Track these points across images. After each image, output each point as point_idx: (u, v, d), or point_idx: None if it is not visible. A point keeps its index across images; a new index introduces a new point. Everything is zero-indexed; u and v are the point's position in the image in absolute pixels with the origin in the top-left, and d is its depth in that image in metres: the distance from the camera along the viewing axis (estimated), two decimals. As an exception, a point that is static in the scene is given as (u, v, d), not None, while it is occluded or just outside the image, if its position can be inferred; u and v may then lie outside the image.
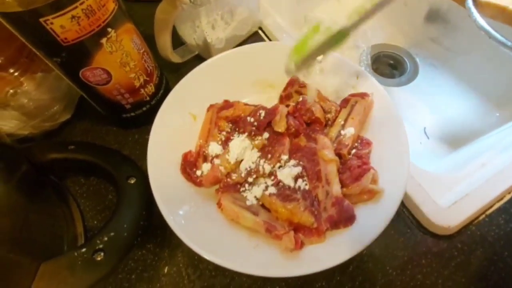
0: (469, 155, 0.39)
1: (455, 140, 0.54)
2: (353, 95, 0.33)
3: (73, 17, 0.23)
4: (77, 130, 0.39)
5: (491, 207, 0.31)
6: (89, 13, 0.23)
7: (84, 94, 0.31)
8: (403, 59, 0.66)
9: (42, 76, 0.33)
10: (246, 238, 0.28)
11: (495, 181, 0.32)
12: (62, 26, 0.23)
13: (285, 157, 0.31)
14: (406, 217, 0.31)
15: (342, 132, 0.32)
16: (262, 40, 0.45)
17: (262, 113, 0.33)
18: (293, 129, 0.32)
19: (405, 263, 0.29)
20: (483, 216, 0.31)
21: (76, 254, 0.25)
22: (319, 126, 0.33)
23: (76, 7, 0.22)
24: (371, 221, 0.27)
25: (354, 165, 0.29)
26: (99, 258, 0.25)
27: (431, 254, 0.29)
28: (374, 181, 0.29)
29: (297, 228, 0.27)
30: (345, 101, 0.33)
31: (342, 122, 0.32)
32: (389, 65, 0.68)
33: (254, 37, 0.45)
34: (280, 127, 0.32)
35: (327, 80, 0.36)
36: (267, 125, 0.33)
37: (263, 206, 0.29)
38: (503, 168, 0.33)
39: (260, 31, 0.46)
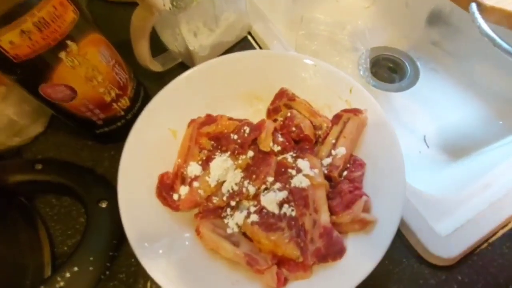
0: (471, 173, 0.37)
1: (456, 149, 0.51)
2: (345, 110, 0.30)
3: (23, 31, 0.20)
4: (50, 144, 0.36)
5: (494, 234, 0.29)
6: (41, 26, 0.20)
7: (50, 109, 0.29)
8: (404, 63, 0.64)
9: (7, 89, 0.30)
10: (225, 272, 0.25)
11: (499, 206, 0.29)
12: (11, 42, 0.20)
13: (270, 178, 0.29)
14: (401, 245, 0.29)
15: (333, 152, 0.29)
16: (251, 46, 0.42)
17: (247, 129, 0.30)
18: (280, 147, 0.30)
19: (400, 297, 0.27)
20: (486, 244, 0.28)
21: (33, 294, 0.22)
22: (309, 144, 0.31)
23: (26, 20, 0.20)
24: (363, 254, 0.24)
25: (345, 190, 0.27)
26: (60, 297, 0.23)
27: (429, 287, 0.27)
28: (366, 208, 0.26)
29: (281, 261, 0.25)
30: (337, 117, 0.31)
31: (333, 141, 0.30)
32: (389, 69, 0.65)
33: (242, 42, 0.42)
34: (266, 146, 0.29)
35: (318, 92, 0.33)
36: (252, 142, 0.30)
37: (245, 234, 0.27)
38: (508, 190, 0.30)
39: (249, 36, 0.43)
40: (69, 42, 0.23)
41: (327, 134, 0.31)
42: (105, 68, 0.27)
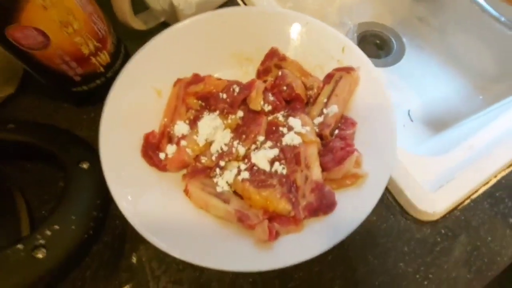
0: (456, 137, 0.38)
1: (439, 122, 0.53)
2: (337, 69, 0.30)
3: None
4: (22, 107, 0.33)
5: (476, 191, 0.30)
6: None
7: (20, 62, 0.26)
8: (390, 39, 0.64)
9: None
10: (216, 229, 0.25)
11: (482, 165, 0.30)
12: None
13: (261, 138, 0.28)
14: (389, 202, 0.29)
15: (325, 111, 0.29)
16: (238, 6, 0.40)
17: (237, 88, 0.29)
18: (271, 107, 0.29)
19: (387, 251, 0.27)
20: (468, 200, 0.30)
21: (9, 251, 0.21)
22: (300, 104, 0.30)
23: None
24: (353, 208, 0.25)
25: (337, 147, 0.27)
26: (40, 255, 0.21)
27: (414, 241, 0.28)
28: (357, 164, 0.26)
29: (272, 217, 0.25)
30: (329, 77, 0.30)
31: (325, 100, 0.29)
32: (375, 45, 0.65)
33: (230, 3, 0.40)
34: (256, 104, 0.28)
35: (310, 52, 0.32)
36: (241, 102, 0.29)
37: (235, 193, 0.26)
38: (490, 151, 0.31)
39: (237, -3, 0.41)
40: (38, -24, 0.20)
41: (318, 94, 0.30)
42: (82, 15, 0.24)
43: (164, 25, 0.37)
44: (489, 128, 0.34)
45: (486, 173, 0.30)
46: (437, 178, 0.30)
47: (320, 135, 0.28)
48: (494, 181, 0.30)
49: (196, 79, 0.31)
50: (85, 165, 0.27)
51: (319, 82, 0.31)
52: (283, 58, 0.32)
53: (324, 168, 0.26)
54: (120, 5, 0.31)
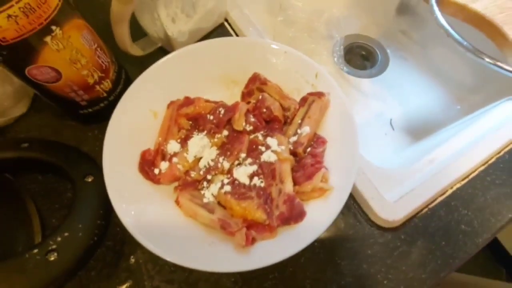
0: (421, 151, 0.41)
1: (418, 131, 0.56)
2: (310, 94, 0.34)
3: (9, 16, 0.21)
4: (33, 125, 0.37)
5: (434, 201, 0.34)
6: (28, 11, 0.22)
7: (35, 91, 0.30)
8: (375, 51, 0.67)
9: (-11, 70, 0.31)
10: (202, 236, 0.29)
11: (439, 177, 0.34)
12: (-2, 25, 0.21)
13: (243, 155, 0.32)
14: (356, 211, 0.33)
15: (299, 131, 0.33)
16: (227, 32, 0.45)
17: (222, 111, 0.33)
18: (252, 127, 0.33)
19: (353, 254, 0.31)
20: (426, 209, 0.33)
21: (27, 255, 0.25)
22: (278, 124, 0.34)
23: (12, 5, 0.21)
24: (320, 216, 0.28)
25: (308, 164, 0.31)
26: (52, 258, 0.25)
27: (377, 245, 0.32)
28: (325, 179, 0.30)
29: (250, 224, 0.29)
30: (303, 100, 0.34)
31: (299, 121, 0.33)
32: (361, 56, 0.69)
33: (220, 29, 0.45)
34: (239, 125, 0.33)
35: (288, 76, 0.36)
36: (226, 122, 0.33)
37: (219, 203, 0.30)
38: (448, 164, 0.35)
39: (226, 23, 0.45)
40: (53, 27, 0.24)
41: (294, 115, 0.34)
42: (88, 52, 0.29)
43: (161, 49, 0.42)
44: (449, 143, 0.38)
45: (443, 185, 0.34)
46: (399, 189, 0.34)
47: (294, 153, 0.32)
48: (450, 191, 0.34)
49: (187, 101, 0.35)
50: (90, 179, 0.31)
51: (295, 104, 0.35)
52: (264, 82, 0.36)
53: (295, 182, 0.30)
54: (121, 37, 0.35)
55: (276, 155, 0.31)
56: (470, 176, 0.35)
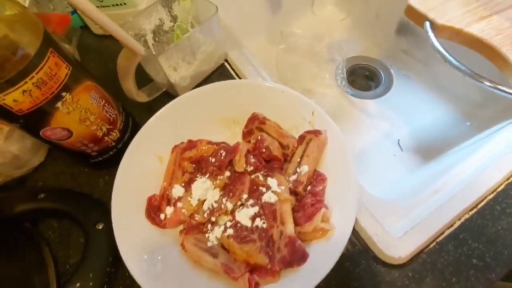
0: (425, 180, 0.41)
1: (428, 151, 0.55)
2: (308, 132, 0.35)
3: (24, 91, 0.24)
4: (50, 173, 0.40)
5: (441, 234, 0.33)
6: (40, 85, 0.25)
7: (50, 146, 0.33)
8: (378, 71, 0.68)
9: (10, 129, 0.34)
10: (208, 281, 0.29)
11: (446, 208, 0.33)
12: (15, 100, 0.24)
13: (245, 195, 0.33)
14: (361, 248, 0.33)
15: (298, 169, 0.33)
16: (228, 72, 0.47)
17: (223, 153, 0.35)
18: (252, 167, 0.34)
19: (360, 294, 0.31)
20: (434, 243, 0.33)
21: (42, 308, 0.26)
22: (278, 163, 0.35)
23: (26, 82, 0.24)
24: (323, 257, 0.29)
25: (308, 204, 0.31)
26: (66, 310, 0.27)
27: (384, 284, 0.31)
28: (326, 218, 0.30)
29: (253, 268, 0.29)
30: (301, 138, 0.35)
31: (298, 160, 0.34)
32: (365, 77, 0.69)
33: (220, 69, 0.47)
34: (240, 167, 0.34)
35: (286, 115, 0.37)
36: (228, 164, 0.35)
37: (223, 246, 0.31)
38: (454, 194, 0.34)
39: (226, 63, 0.47)
40: (64, 94, 0.27)
41: (294, 153, 0.35)
42: (96, 109, 0.31)
43: (167, 93, 0.44)
44: (455, 171, 0.37)
45: (450, 216, 0.33)
46: (404, 222, 0.33)
47: (294, 192, 0.33)
48: (458, 223, 0.33)
49: (190, 145, 0.36)
50: (100, 226, 0.33)
51: (294, 142, 0.36)
52: (263, 121, 0.37)
53: (297, 223, 0.30)
54: (127, 88, 0.38)
55: (276, 195, 0.31)
56: (479, 206, 0.34)
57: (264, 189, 0.32)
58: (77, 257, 0.34)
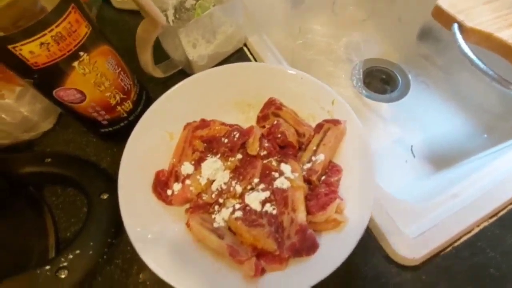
0: (443, 183, 0.39)
1: (441, 160, 0.54)
2: (327, 121, 0.33)
3: (42, 43, 0.23)
4: (59, 140, 0.39)
5: (458, 239, 0.32)
6: (59, 39, 0.24)
7: (60, 109, 0.32)
8: (395, 75, 0.66)
9: (22, 89, 0.33)
10: (210, 262, 0.28)
11: (465, 213, 0.32)
12: (31, 52, 0.23)
13: (256, 180, 0.32)
14: (372, 245, 0.32)
15: (313, 158, 0.32)
16: (246, 56, 0.45)
17: (237, 134, 0.34)
18: (266, 152, 0.33)
19: (367, 293, 0.29)
20: (450, 248, 0.31)
21: (38, 271, 0.25)
22: (292, 150, 0.34)
23: (45, 34, 0.23)
24: (334, 250, 0.27)
25: (322, 193, 0.30)
26: (62, 276, 0.26)
27: (394, 285, 0.30)
28: (340, 210, 0.29)
29: (260, 254, 0.28)
30: (319, 127, 0.34)
31: (314, 148, 0.33)
32: (381, 80, 0.68)
33: (239, 53, 0.46)
34: (253, 150, 0.32)
35: (304, 102, 0.36)
36: (240, 146, 0.33)
37: (230, 229, 0.30)
38: (474, 200, 0.33)
39: (244, 48, 0.46)
40: (81, 53, 0.26)
41: (309, 141, 0.34)
42: (112, 75, 0.30)
43: (182, 71, 0.43)
44: (475, 176, 0.35)
45: (468, 222, 0.31)
46: (419, 224, 0.32)
47: (308, 180, 0.31)
48: (476, 230, 0.32)
49: (203, 124, 0.35)
50: (105, 196, 0.32)
51: (310, 130, 0.34)
52: (280, 107, 0.36)
53: (309, 212, 0.29)
54: (144, 60, 0.37)
55: (289, 182, 0.30)
56: (499, 214, 0.33)
57: (276, 175, 0.31)
58: (78, 226, 0.34)
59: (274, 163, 0.32)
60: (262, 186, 0.31)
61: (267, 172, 0.32)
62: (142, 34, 0.34)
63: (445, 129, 0.58)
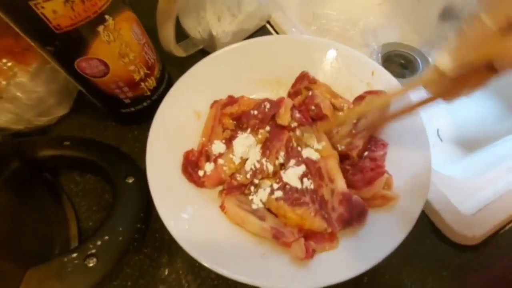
0: (491, 159, 0.36)
1: (470, 143, 0.51)
2: (368, 92, 0.31)
3: (66, 1, 0.21)
4: (75, 125, 0.37)
5: (519, 215, 0.29)
6: (84, -3, 0.21)
7: (80, 87, 0.29)
8: (415, 59, 0.64)
9: (37, 67, 0.31)
10: (252, 245, 0.26)
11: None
12: (55, 11, 0.21)
13: (282, 153, 0.29)
14: (426, 225, 0.29)
15: (354, 131, 0.29)
16: (269, 33, 0.43)
17: (267, 105, 0.31)
18: (297, 124, 0.30)
19: (425, 276, 0.27)
20: (511, 225, 0.28)
21: (66, 259, 0.23)
22: (328, 124, 0.31)
23: (70, -11, 0.20)
24: (388, 230, 0.24)
25: (367, 168, 0.27)
26: (91, 264, 0.23)
27: (453, 266, 0.27)
28: (388, 186, 0.26)
29: (307, 235, 0.25)
30: (360, 98, 0.31)
31: (354, 121, 0.30)
32: (400, 65, 0.65)
33: (261, 31, 0.43)
34: (284, 120, 0.30)
35: (339, 75, 0.34)
36: (271, 118, 0.31)
37: (269, 210, 0.27)
38: (531, 173, 0.30)
39: (268, 25, 0.44)
40: (107, 17, 0.24)
41: (349, 115, 0.31)
42: (136, 46, 0.28)
43: (202, 52, 0.41)
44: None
45: (528, 197, 0.29)
46: (475, 200, 0.29)
47: (347, 155, 0.29)
48: (538, 206, 0.29)
49: (231, 100, 0.33)
50: (130, 180, 0.29)
51: (349, 103, 0.32)
52: (313, 81, 0.33)
53: (353, 187, 0.26)
54: (166, 35, 0.34)
55: (318, 152, 0.27)
56: (561, 188, 0.30)
57: (300, 148, 0.28)
58: (100, 215, 0.31)
59: (298, 132, 0.30)
60: (293, 161, 0.28)
61: (291, 144, 0.29)
62: (164, 6, 0.32)
63: (471, 111, 0.55)
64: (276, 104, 0.31)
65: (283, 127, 0.30)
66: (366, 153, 0.29)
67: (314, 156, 0.28)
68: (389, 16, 0.71)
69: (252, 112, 0.31)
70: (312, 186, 0.27)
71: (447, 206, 0.28)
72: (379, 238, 0.24)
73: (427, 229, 0.29)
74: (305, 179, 0.27)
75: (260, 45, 0.35)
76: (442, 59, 0.20)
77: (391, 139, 0.29)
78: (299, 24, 0.42)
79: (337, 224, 0.24)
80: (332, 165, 0.27)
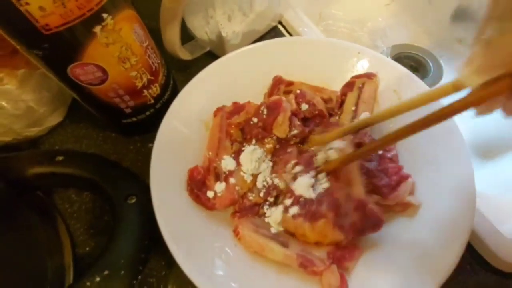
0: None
1: (485, 150, 0.49)
2: (357, 76, 0.29)
3: (56, -4, 0.17)
4: (70, 136, 0.33)
5: None
6: (78, -8, 0.18)
7: (74, 95, 0.26)
8: (426, 61, 0.61)
9: (25, 72, 0.27)
10: (274, 278, 0.22)
11: None
12: (42, 8, 0.17)
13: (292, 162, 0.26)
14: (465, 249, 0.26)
15: (356, 119, 0.27)
16: (281, 34, 0.40)
17: (264, 110, 0.27)
18: (297, 131, 0.27)
19: (465, 307, 0.24)
20: (557, 249, 0.25)
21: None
22: (320, 119, 0.28)
23: (61, -17, 0.17)
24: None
25: (391, 171, 0.24)
26: (89, 304, 0.20)
27: (497, 297, 0.24)
28: (411, 191, 0.24)
29: (334, 256, 0.22)
30: (349, 85, 0.29)
31: (353, 108, 0.28)
32: (410, 67, 0.63)
33: (272, 32, 0.40)
34: (281, 131, 0.26)
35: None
36: (273, 122, 0.27)
37: (286, 231, 0.24)
38: None
39: (279, 26, 0.40)
40: (104, 15, 0.20)
41: (340, 103, 0.29)
42: (139, 49, 0.24)
43: (208, 54, 0.38)
44: None
45: None
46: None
47: (359, 144, 0.26)
48: None
49: (237, 107, 0.29)
50: (132, 200, 0.26)
51: (335, 92, 0.29)
52: (290, 83, 0.31)
53: (379, 193, 0.24)
54: (170, 37, 0.31)
55: (337, 153, 0.24)
56: None
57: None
58: (98, 239, 0.28)
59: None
60: (298, 168, 0.25)
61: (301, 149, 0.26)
62: (169, 4, 0.28)
63: (487, 118, 0.52)
64: (273, 108, 0.27)
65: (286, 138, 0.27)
66: (380, 152, 0.26)
67: (333, 157, 0.24)
68: (398, 16, 0.68)
69: (252, 120, 0.28)
70: (325, 185, 0.23)
71: (487, 228, 0.25)
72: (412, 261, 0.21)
73: (467, 254, 0.26)
74: (316, 185, 0.24)
75: (274, 47, 0.32)
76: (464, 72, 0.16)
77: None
78: (312, 24, 0.39)
79: (349, 232, 0.22)
80: (351, 168, 0.24)
